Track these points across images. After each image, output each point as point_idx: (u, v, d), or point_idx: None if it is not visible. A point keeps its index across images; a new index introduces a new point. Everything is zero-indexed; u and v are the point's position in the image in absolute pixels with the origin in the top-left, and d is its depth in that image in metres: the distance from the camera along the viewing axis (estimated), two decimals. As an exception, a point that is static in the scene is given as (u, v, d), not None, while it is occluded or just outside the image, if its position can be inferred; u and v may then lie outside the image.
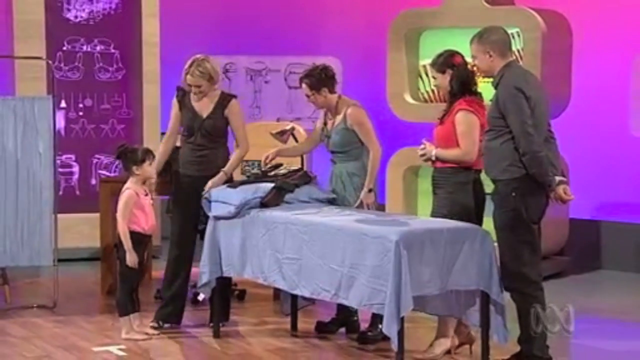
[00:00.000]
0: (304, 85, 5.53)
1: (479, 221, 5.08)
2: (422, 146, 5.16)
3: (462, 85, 5.09)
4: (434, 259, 4.68)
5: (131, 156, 5.46)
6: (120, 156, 5.52)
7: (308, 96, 5.53)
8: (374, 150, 5.44)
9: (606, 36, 7.70)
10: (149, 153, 5.48)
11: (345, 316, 5.58)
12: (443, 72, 5.13)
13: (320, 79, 5.49)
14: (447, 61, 5.11)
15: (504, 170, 4.78)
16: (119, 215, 5.45)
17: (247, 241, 5.33)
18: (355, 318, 5.58)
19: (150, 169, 5.47)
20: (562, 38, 7.35)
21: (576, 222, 7.60)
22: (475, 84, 5.15)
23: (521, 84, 4.75)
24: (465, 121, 5.06)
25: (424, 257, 4.65)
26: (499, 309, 4.84)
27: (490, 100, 4.92)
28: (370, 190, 5.42)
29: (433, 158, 5.13)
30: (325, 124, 5.62)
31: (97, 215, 6.84)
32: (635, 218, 7.64)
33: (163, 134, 7.48)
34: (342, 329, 5.63)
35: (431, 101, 7.58)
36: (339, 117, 5.50)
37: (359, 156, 5.50)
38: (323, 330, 5.63)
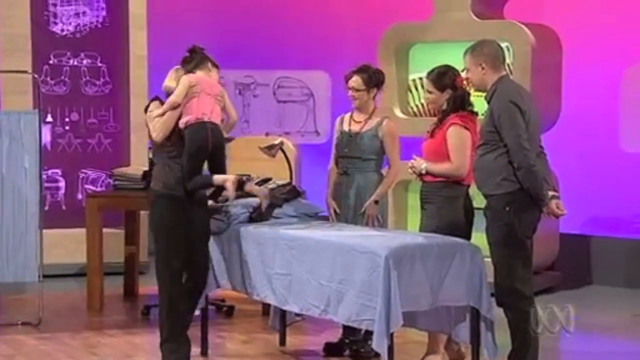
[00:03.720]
0: (357, 79, 5.45)
1: (467, 236, 5.09)
2: (412, 160, 5.18)
3: (457, 106, 5.12)
4: (424, 274, 4.68)
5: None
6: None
7: (357, 90, 5.44)
8: (396, 166, 5.45)
9: (596, 50, 7.75)
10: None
11: (351, 336, 5.51)
12: (442, 91, 5.14)
13: (377, 79, 5.49)
14: (451, 82, 5.12)
15: (497, 185, 4.78)
16: (176, 95, 5.13)
17: (237, 256, 5.32)
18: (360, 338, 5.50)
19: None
20: (552, 52, 7.39)
21: (567, 237, 7.62)
22: (470, 104, 5.18)
23: (516, 98, 4.77)
24: (457, 136, 5.08)
25: (414, 273, 4.64)
26: (488, 325, 4.84)
27: (483, 115, 4.94)
28: (376, 202, 5.41)
29: (423, 171, 5.13)
30: (343, 129, 5.52)
31: (83, 230, 6.82)
32: (626, 233, 7.66)
33: (150, 148, 7.51)
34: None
35: (421, 115, 7.61)
36: (372, 123, 5.46)
37: (377, 168, 5.50)
38: (332, 352, 5.53)
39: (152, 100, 5.31)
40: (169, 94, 5.24)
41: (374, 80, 5.48)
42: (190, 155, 5.11)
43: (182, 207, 5.13)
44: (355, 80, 5.47)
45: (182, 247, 5.13)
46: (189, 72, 5.25)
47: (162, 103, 5.23)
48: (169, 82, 5.27)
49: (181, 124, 5.15)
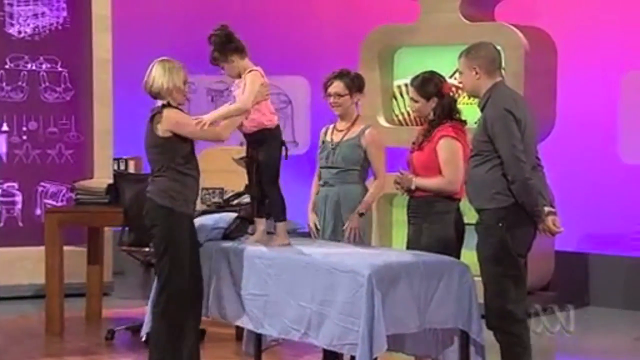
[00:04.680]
0: (339, 84, 5.43)
1: (457, 253, 5.11)
2: (399, 175, 5.19)
3: (445, 114, 5.15)
4: (410, 295, 4.69)
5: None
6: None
7: (340, 96, 5.43)
8: (382, 177, 5.42)
9: (593, 54, 7.81)
10: None
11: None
12: (428, 99, 5.17)
13: (359, 83, 5.49)
14: (437, 89, 5.14)
15: (490, 199, 4.79)
16: (248, 98, 5.06)
17: (207, 276, 5.31)
18: None
19: None
20: (546, 56, 7.44)
21: (562, 255, 7.65)
22: (458, 111, 5.21)
23: (511, 106, 4.78)
24: (448, 148, 5.10)
25: (399, 293, 4.65)
26: (478, 350, 4.85)
27: (476, 123, 4.96)
28: (361, 215, 5.39)
29: (413, 187, 5.15)
30: (325, 139, 5.54)
31: (42, 249, 6.78)
32: (625, 251, 7.70)
33: (115, 159, 7.50)
34: None
35: (406, 124, 7.63)
36: (354, 131, 5.46)
37: (359, 180, 5.47)
38: None
39: (164, 107, 5.10)
40: (157, 93, 5.11)
41: (356, 84, 5.49)
42: (277, 160, 5.14)
43: (192, 225, 5.17)
44: (337, 86, 5.47)
45: (189, 268, 5.12)
46: (225, 58, 5.08)
47: (177, 108, 5.10)
48: (159, 78, 5.08)
49: (255, 125, 5.12)
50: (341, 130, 5.51)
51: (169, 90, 5.10)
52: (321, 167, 5.54)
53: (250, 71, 5.11)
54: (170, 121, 5.06)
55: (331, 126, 5.62)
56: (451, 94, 5.29)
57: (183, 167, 5.09)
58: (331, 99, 5.49)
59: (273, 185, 5.17)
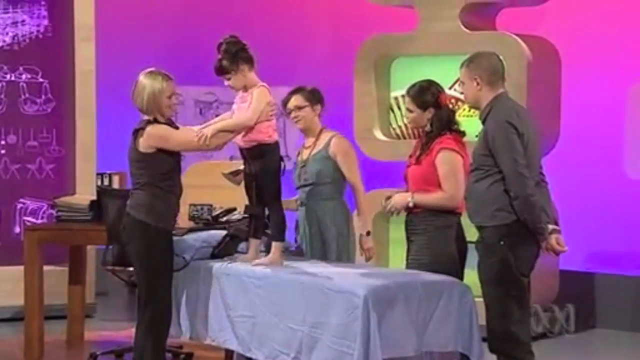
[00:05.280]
0: (297, 97, 5.53)
1: (460, 270, 5.09)
2: (392, 198, 5.17)
3: (443, 126, 5.15)
4: (407, 316, 4.69)
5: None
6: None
7: (300, 108, 5.51)
8: (360, 186, 5.46)
9: (598, 65, 7.82)
10: None
11: None
12: (424, 109, 5.17)
13: (318, 95, 5.57)
14: (433, 99, 5.15)
15: (491, 216, 4.79)
16: (252, 115, 5.05)
17: (194, 296, 5.30)
18: None
19: None
20: (549, 67, 7.45)
21: (567, 274, 7.64)
22: (456, 122, 5.21)
23: (513, 118, 4.79)
24: (448, 162, 5.10)
25: (396, 315, 4.65)
26: (479, 374, 4.86)
27: (477, 136, 4.96)
28: (368, 234, 5.40)
29: (411, 204, 5.14)
30: (297, 160, 5.61)
31: (21, 268, 6.75)
32: (633, 270, 7.70)
33: (99, 174, 7.48)
34: None
35: (404, 137, 7.63)
36: (320, 144, 5.51)
37: (335, 195, 5.48)
38: None
39: (149, 123, 5.11)
40: (141, 110, 5.11)
41: (315, 96, 5.58)
42: (277, 175, 5.13)
43: (171, 241, 5.20)
44: (296, 99, 5.57)
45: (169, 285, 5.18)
46: (235, 67, 5.07)
47: (165, 124, 5.11)
48: (140, 92, 5.09)
49: (252, 140, 5.11)
50: (308, 147, 5.58)
51: (150, 105, 5.10)
52: (296, 188, 5.58)
53: (259, 87, 5.11)
54: (154, 137, 5.07)
55: (301, 146, 5.67)
56: (449, 105, 5.29)
57: (164, 183, 5.10)
58: (292, 114, 5.56)
59: (275, 202, 5.17)
